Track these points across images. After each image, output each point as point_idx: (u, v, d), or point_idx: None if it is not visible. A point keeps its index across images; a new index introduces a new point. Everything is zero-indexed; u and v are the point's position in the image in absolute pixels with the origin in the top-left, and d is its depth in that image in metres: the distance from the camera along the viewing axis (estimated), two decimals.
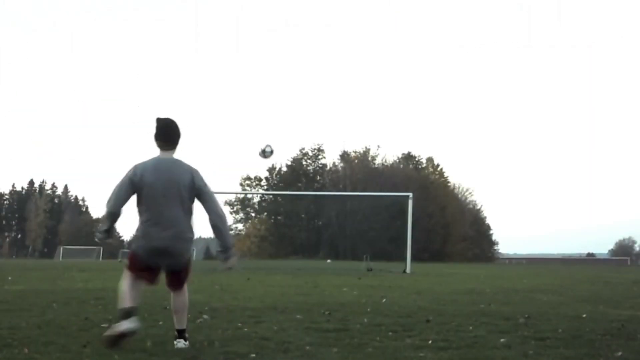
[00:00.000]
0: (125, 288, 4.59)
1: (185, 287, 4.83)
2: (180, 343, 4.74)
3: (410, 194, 26.97)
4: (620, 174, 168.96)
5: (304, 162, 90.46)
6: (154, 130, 4.72)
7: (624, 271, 32.16)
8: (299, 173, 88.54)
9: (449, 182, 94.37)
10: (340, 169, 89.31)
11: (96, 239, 4.77)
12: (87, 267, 26.17)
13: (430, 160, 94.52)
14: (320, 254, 74.00)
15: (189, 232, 4.67)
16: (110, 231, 4.71)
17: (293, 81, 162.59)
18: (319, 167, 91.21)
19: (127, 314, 4.45)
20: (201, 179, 4.68)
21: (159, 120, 4.72)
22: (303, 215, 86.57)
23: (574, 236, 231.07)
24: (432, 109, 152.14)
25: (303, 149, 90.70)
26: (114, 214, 4.59)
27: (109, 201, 4.60)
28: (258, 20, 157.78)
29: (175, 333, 4.83)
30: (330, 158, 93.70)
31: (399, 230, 46.28)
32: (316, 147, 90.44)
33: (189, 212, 4.68)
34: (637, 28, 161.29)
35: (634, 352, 4.80)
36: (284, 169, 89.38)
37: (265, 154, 15.08)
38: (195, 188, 4.64)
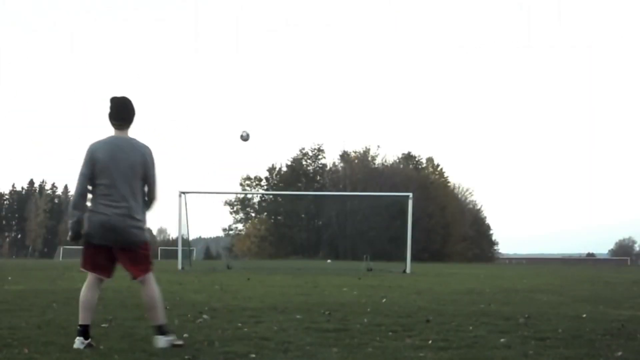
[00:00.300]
0: (83, 297, 4.63)
1: (152, 278, 4.73)
2: (162, 340, 4.62)
3: (410, 194, 26.93)
4: (620, 174, 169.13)
5: (304, 162, 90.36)
6: (108, 110, 4.73)
7: (624, 271, 32.16)
8: (299, 173, 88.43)
9: (449, 182, 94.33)
10: (340, 169, 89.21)
11: (70, 237, 4.69)
12: None
13: (430, 160, 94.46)
14: (320, 254, 73.93)
15: (139, 213, 4.66)
16: (82, 222, 4.63)
17: (293, 81, 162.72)
18: (319, 167, 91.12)
19: (79, 332, 4.58)
20: (152, 159, 4.75)
21: (113, 100, 4.74)
22: (303, 215, 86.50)
23: (574, 236, 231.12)
24: (432, 109, 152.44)
25: (303, 149, 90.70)
26: (83, 194, 4.61)
27: (77, 185, 4.62)
28: (258, 20, 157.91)
29: (155, 330, 4.71)
30: (330, 158, 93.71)
31: (399, 230, 46.18)
32: (316, 147, 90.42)
33: (139, 192, 4.69)
34: (637, 28, 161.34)
35: (634, 352, 4.80)
36: (284, 169, 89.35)
37: (244, 139, 17.20)
38: (145, 167, 4.69)
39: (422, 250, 63.20)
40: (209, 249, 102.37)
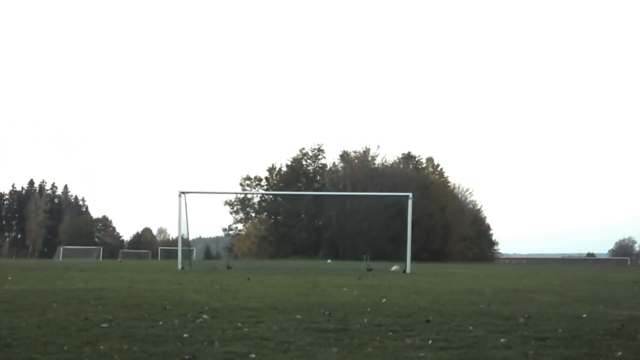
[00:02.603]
0: None
1: None
2: None
3: (410, 194, 26.95)
4: (620, 173, 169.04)
5: (304, 162, 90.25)
6: None
7: (624, 271, 32.17)
8: (299, 173, 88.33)
9: (449, 182, 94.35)
10: (340, 169, 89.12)
11: None
12: (87, 267, 26.15)
13: (430, 160, 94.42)
14: (320, 254, 73.83)
15: None
16: None
17: (293, 81, 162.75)
18: (319, 167, 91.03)
19: None
20: None
21: None
22: (303, 215, 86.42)
23: (574, 236, 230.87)
24: (432, 109, 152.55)
25: (303, 149, 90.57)
26: None
27: None
28: (258, 20, 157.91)
29: None
30: (330, 158, 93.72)
31: (399, 230, 46.19)
32: (316, 147, 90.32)
33: None
34: (637, 28, 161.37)
35: (634, 352, 4.80)
36: (284, 169, 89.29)
37: None
38: None
39: (422, 250, 63.13)
40: (209, 249, 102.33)
